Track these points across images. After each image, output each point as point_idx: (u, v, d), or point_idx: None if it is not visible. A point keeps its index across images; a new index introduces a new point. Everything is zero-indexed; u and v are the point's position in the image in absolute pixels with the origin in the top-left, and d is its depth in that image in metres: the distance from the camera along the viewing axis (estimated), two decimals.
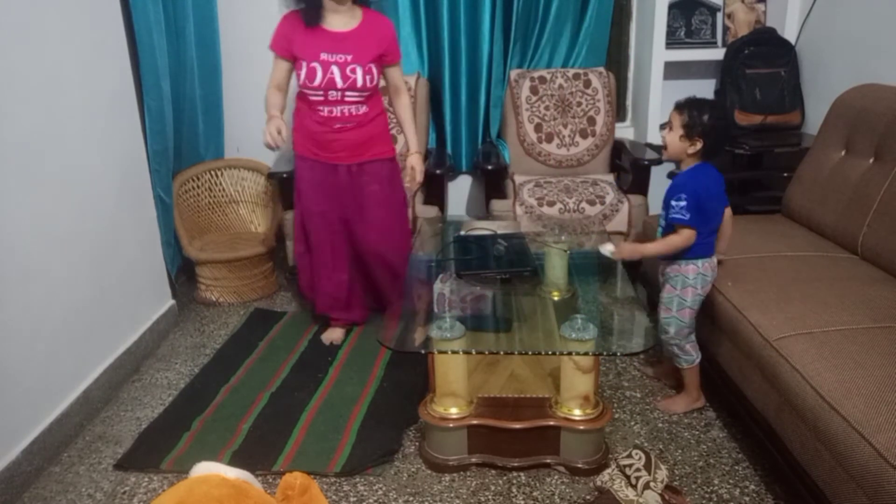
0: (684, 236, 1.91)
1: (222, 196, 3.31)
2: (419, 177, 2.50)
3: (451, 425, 1.83)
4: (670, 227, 1.96)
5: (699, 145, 1.90)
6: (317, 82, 2.23)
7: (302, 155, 2.41)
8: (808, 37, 3.04)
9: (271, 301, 3.07)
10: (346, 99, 2.28)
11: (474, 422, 1.83)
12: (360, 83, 2.25)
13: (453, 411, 1.84)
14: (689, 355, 2.04)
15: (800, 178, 2.59)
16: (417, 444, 1.97)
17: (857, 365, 1.51)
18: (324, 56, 2.22)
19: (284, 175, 2.85)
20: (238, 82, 3.22)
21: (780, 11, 3.16)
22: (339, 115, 2.29)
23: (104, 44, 2.32)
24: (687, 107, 1.90)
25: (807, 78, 3.06)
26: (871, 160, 2.26)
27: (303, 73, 2.24)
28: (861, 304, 1.79)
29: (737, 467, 1.85)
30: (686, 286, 1.97)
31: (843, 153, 2.43)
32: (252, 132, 2.76)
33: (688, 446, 1.95)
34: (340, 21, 2.25)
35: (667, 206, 1.96)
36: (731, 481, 1.80)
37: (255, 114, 2.50)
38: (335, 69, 2.22)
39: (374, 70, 2.29)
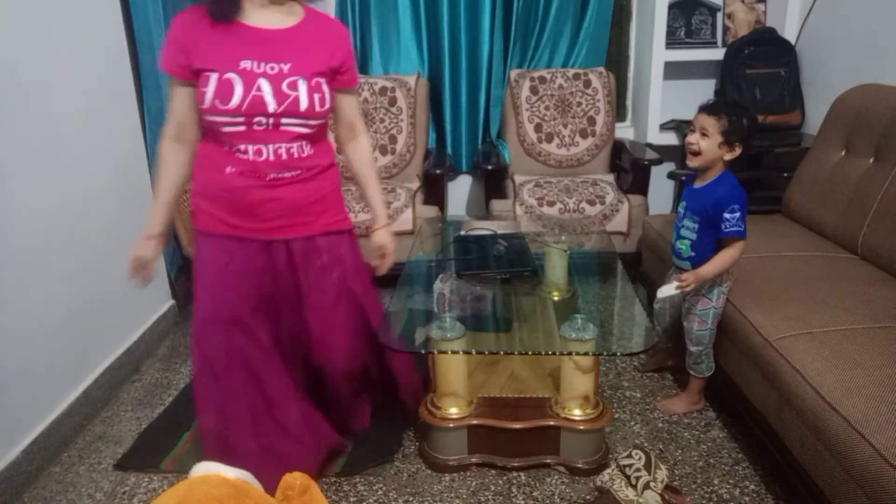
0: (740, 249, 1.85)
1: None
2: (391, 259, 1.80)
3: (451, 425, 1.83)
4: (707, 239, 1.88)
5: (738, 152, 1.83)
6: (233, 103, 1.43)
7: (207, 230, 1.60)
8: (808, 37, 3.04)
9: None
10: (284, 130, 1.49)
11: (474, 422, 1.83)
12: (304, 105, 1.47)
13: (453, 411, 1.84)
14: (712, 363, 2.02)
15: (800, 178, 2.59)
16: (417, 444, 1.97)
17: (857, 365, 1.50)
18: (245, 64, 1.44)
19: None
20: None
21: (780, 11, 3.16)
22: (271, 158, 1.50)
23: (104, 44, 2.32)
24: (725, 111, 1.81)
25: (807, 78, 3.06)
26: (871, 160, 2.26)
27: (209, 91, 1.43)
28: (861, 304, 1.78)
29: (737, 467, 1.85)
30: (720, 295, 1.93)
31: (842, 153, 2.42)
32: None
33: (688, 446, 1.95)
34: (270, 16, 1.50)
35: (706, 216, 1.86)
36: (731, 481, 1.80)
37: None
38: (264, 84, 1.44)
39: (325, 89, 1.54)
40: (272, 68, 1.45)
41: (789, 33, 3.12)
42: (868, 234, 2.14)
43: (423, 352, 1.93)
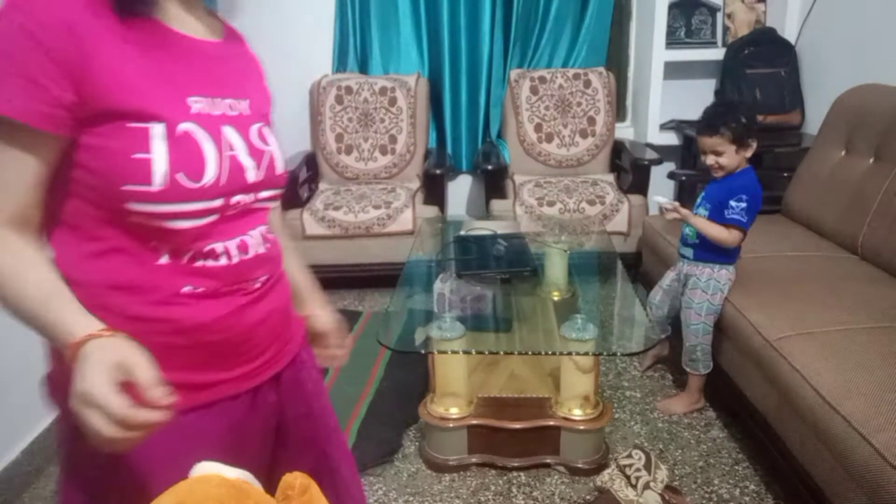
0: (734, 237, 1.91)
1: None
2: (347, 346, 1.14)
3: (451, 425, 1.83)
4: (713, 216, 1.94)
5: (754, 145, 1.90)
6: (209, 177, 0.78)
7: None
8: (808, 37, 3.04)
9: None
10: (260, 208, 0.90)
11: (474, 422, 1.83)
12: (280, 166, 0.91)
13: (453, 411, 1.84)
14: (709, 360, 2.02)
15: (800, 178, 2.59)
16: (417, 444, 1.97)
17: (858, 365, 1.50)
18: (199, 105, 0.79)
19: None
20: None
21: (780, 11, 3.16)
22: (260, 251, 0.88)
23: None
24: (722, 122, 1.87)
25: (807, 78, 3.06)
26: (871, 160, 2.26)
27: (160, 159, 0.74)
28: (861, 304, 1.79)
29: (737, 467, 1.85)
30: (717, 291, 1.95)
31: (843, 153, 2.42)
32: None
33: (688, 446, 1.95)
34: (194, 21, 0.85)
35: (717, 203, 1.92)
36: (731, 481, 1.80)
37: None
38: (233, 136, 0.83)
39: None
40: (231, 107, 0.84)
41: (789, 33, 3.12)
42: (868, 234, 2.14)
43: (423, 352, 1.93)
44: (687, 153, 3.27)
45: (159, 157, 0.74)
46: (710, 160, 1.92)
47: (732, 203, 1.88)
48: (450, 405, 1.85)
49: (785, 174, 2.72)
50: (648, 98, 3.24)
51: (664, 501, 1.63)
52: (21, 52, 0.69)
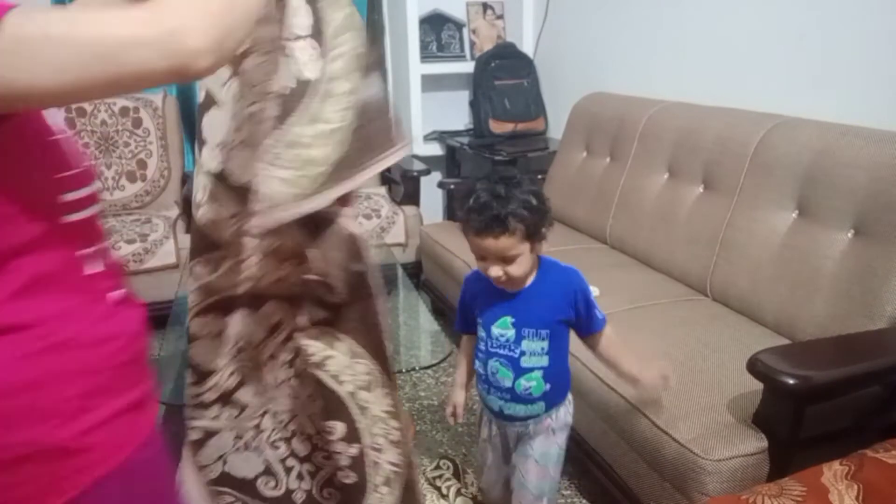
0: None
1: None
2: None
3: None
4: (561, 355, 1.34)
5: (546, 237, 1.28)
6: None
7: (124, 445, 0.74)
8: (543, 50, 3.36)
9: None
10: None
11: None
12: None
13: None
14: None
15: (552, 179, 2.85)
16: None
17: (627, 345, 1.66)
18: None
19: None
20: None
21: (517, 28, 3.45)
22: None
23: None
24: (510, 214, 1.18)
25: (545, 88, 3.37)
26: (608, 160, 2.56)
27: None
28: (619, 288, 1.99)
29: None
30: (566, 429, 1.41)
31: (584, 154, 2.71)
32: None
33: None
34: None
35: (566, 324, 1.33)
36: None
37: None
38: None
39: None
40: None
41: (527, 47, 3.42)
42: (613, 224, 2.41)
43: None
44: (451, 163, 3.41)
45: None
46: (493, 272, 1.24)
47: (591, 299, 1.33)
48: None
49: (539, 176, 2.96)
50: (410, 110, 3.32)
51: (476, 502, 1.64)
52: None
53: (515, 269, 1.24)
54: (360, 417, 1.02)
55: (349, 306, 0.98)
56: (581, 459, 1.75)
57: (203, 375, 1.04)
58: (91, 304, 0.72)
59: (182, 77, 0.59)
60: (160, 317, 1.97)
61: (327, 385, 0.98)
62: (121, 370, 0.73)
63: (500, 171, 1.21)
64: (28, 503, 0.67)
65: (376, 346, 1.01)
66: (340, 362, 0.98)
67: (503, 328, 1.31)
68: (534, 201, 1.21)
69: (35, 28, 0.55)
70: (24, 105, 0.61)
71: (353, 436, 1.01)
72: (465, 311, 1.43)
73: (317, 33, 0.83)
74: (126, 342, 0.75)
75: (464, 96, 3.53)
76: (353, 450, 1.01)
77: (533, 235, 1.23)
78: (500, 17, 3.54)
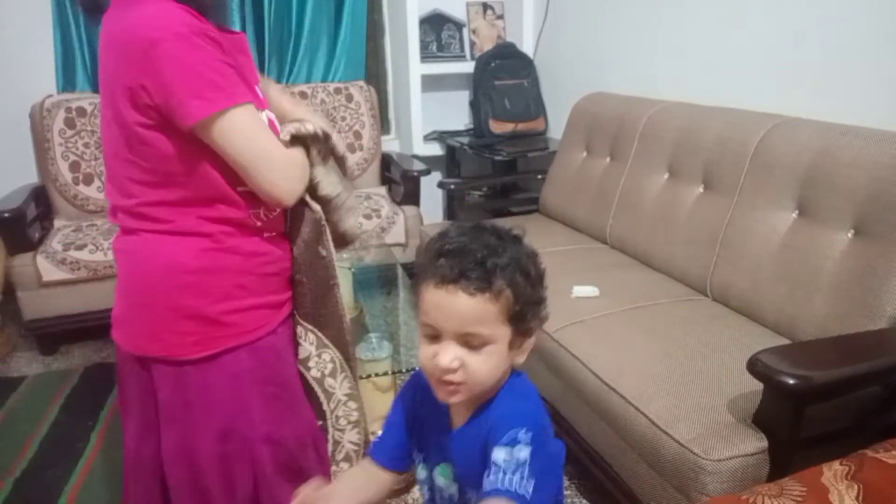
0: None
1: None
2: None
3: None
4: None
5: (533, 337, 0.90)
6: None
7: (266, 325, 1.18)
8: (543, 50, 3.35)
9: (5, 366, 2.56)
10: None
11: None
12: None
13: None
14: None
15: (551, 179, 2.84)
16: None
17: (625, 345, 1.66)
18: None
19: (6, 215, 2.41)
20: None
21: (517, 28, 3.45)
22: None
23: None
24: (499, 262, 0.83)
25: (546, 87, 3.37)
26: (608, 160, 2.55)
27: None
28: (618, 289, 1.98)
29: None
30: None
31: (584, 154, 2.70)
32: None
33: None
34: None
35: (470, 462, 0.86)
36: None
37: None
38: None
39: None
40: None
41: (527, 47, 3.41)
42: (614, 224, 2.41)
43: None
44: (451, 163, 3.41)
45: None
46: (445, 357, 0.81)
47: (506, 453, 0.79)
48: None
49: (539, 176, 2.96)
50: (410, 110, 3.31)
51: None
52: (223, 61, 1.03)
53: (478, 364, 0.81)
54: (325, 400, 1.26)
55: (319, 300, 1.21)
56: (581, 459, 1.75)
57: None
58: (252, 234, 1.14)
59: (277, 206, 1.13)
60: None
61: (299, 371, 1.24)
62: (264, 278, 1.15)
63: (495, 223, 0.91)
64: (190, 348, 1.09)
65: (339, 337, 1.25)
66: (307, 350, 1.24)
67: (445, 478, 0.90)
68: (532, 270, 0.87)
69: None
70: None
71: (319, 416, 1.25)
72: (394, 428, 0.96)
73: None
74: (271, 259, 1.16)
75: (464, 96, 3.53)
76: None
77: (519, 318, 0.84)
78: (500, 17, 3.54)
